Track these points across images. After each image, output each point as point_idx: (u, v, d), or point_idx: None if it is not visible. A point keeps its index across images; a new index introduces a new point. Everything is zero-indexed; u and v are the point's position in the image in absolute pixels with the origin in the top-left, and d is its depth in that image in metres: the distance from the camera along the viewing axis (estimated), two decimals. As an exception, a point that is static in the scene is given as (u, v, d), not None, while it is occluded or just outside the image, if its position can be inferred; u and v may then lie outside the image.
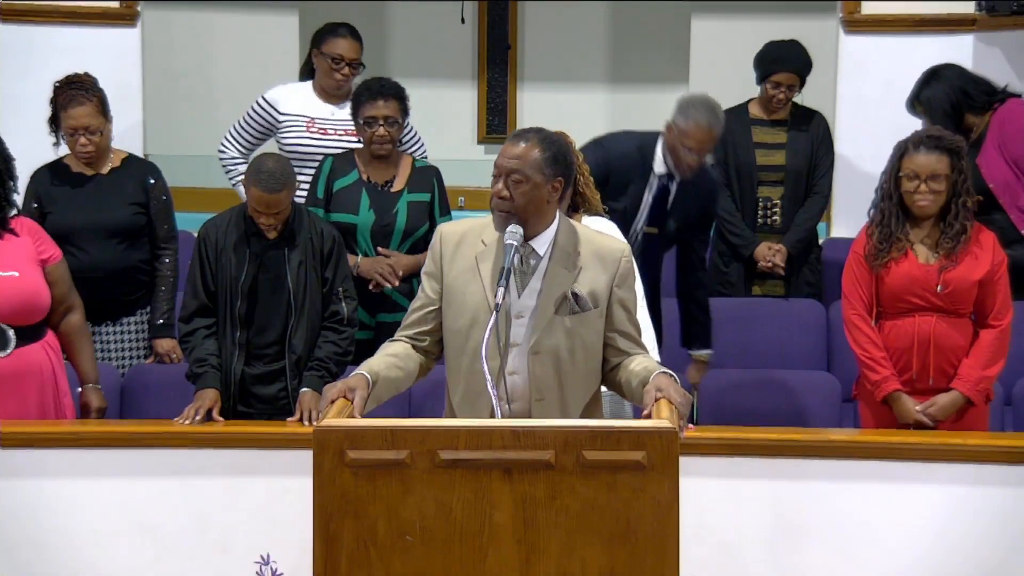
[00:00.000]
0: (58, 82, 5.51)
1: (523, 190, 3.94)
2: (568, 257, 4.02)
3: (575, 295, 4.00)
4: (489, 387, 3.79)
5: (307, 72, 6.17)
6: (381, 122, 5.46)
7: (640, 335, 4.14)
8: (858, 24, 6.81)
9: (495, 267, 3.96)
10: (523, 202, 3.94)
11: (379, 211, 5.48)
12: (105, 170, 5.55)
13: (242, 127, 6.05)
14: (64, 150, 5.57)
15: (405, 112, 5.57)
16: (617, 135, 5.71)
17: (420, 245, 5.54)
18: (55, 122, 5.48)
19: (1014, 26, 6.62)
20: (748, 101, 6.40)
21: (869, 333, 5.01)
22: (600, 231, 4.35)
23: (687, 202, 5.55)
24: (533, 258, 4.00)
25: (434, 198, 5.56)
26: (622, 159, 5.49)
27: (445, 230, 4.11)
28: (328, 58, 5.95)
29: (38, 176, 5.53)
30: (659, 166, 5.53)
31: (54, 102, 5.47)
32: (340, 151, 5.70)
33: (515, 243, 3.92)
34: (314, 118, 5.88)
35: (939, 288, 4.96)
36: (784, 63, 6.25)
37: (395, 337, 4.11)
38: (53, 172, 5.55)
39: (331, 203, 5.48)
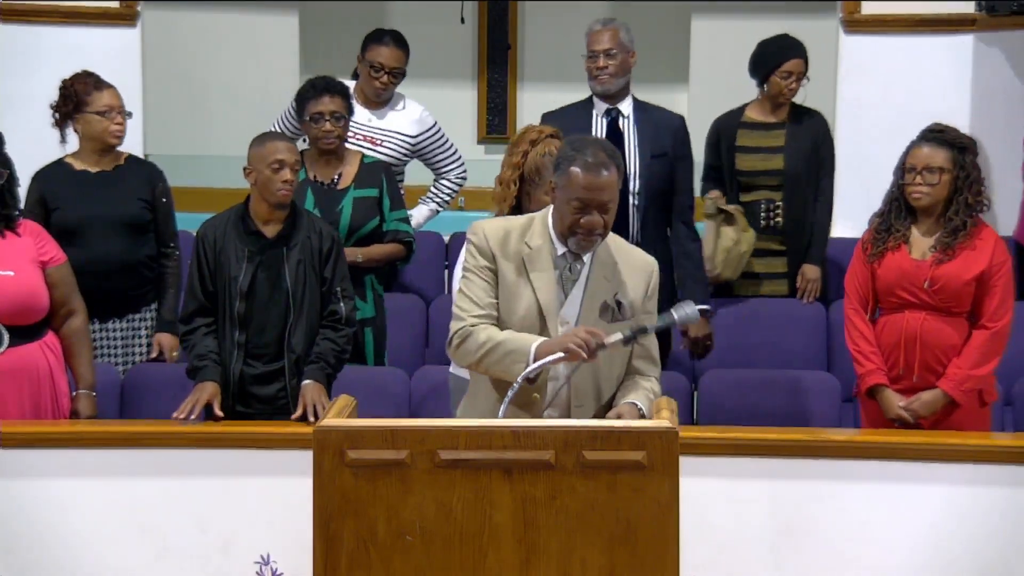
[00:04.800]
0: (68, 79, 5.52)
1: (612, 214, 4.01)
2: (607, 267, 4.08)
3: (619, 303, 4.05)
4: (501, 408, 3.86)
5: (355, 74, 6.22)
6: (327, 117, 5.50)
7: (656, 352, 4.22)
8: (858, 24, 6.80)
9: (545, 274, 4.01)
10: (611, 223, 4.03)
11: (324, 209, 5.48)
12: (110, 167, 5.56)
13: (282, 119, 6.16)
14: (69, 148, 5.57)
15: (350, 109, 5.61)
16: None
17: (367, 240, 5.54)
18: (67, 117, 5.49)
19: (1014, 26, 6.62)
20: (745, 105, 6.29)
21: (861, 327, 5.02)
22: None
23: (651, 135, 5.62)
24: (579, 263, 4.06)
25: (382, 193, 5.56)
26: (562, 119, 5.52)
27: (487, 228, 4.10)
28: (368, 64, 6.01)
29: (41, 176, 5.54)
30: (599, 106, 5.69)
31: (71, 94, 5.48)
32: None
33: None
34: None
35: (926, 284, 4.95)
36: (790, 50, 6.16)
37: (475, 324, 4.03)
38: (56, 171, 5.56)
39: None
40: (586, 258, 4.07)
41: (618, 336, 3.94)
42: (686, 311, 3.98)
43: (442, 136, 6.17)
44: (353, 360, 5.44)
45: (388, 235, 5.58)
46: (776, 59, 6.16)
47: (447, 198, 6.27)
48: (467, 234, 4.15)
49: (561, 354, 3.88)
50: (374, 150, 5.93)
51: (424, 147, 6.15)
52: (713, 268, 5.93)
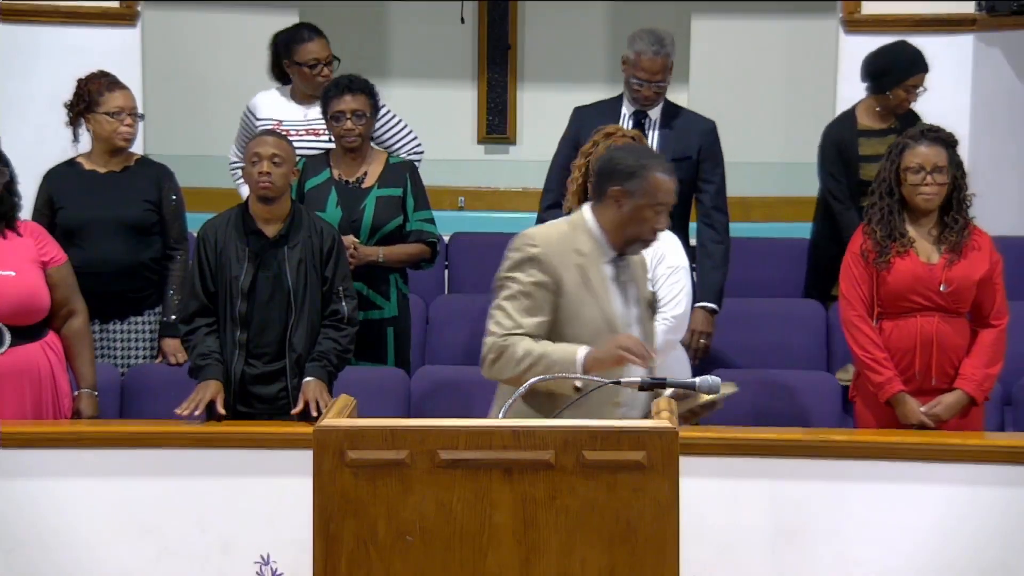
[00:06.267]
0: (83, 78, 5.53)
1: None
2: (634, 265, 4.18)
3: (655, 297, 4.15)
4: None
5: (278, 76, 6.16)
6: (348, 116, 5.47)
7: None
8: (858, 24, 6.81)
9: (603, 281, 4.05)
10: None
11: (346, 207, 5.46)
12: (119, 168, 5.57)
13: (239, 134, 6.14)
14: (81, 148, 5.57)
15: (375, 107, 5.57)
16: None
17: (390, 239, 5.51)
18: (81, 116, 5.49)
19: (1014, 26, 6.63)
20: (853, 111, 6.16)
21: (870, 334, 5.00)
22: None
23: (676, 139, 5.64)
24: (623, 266, 4.12)
25: (406, 192, 5.55)
26: (591, 115, 5.55)
27: (539, 238, 4.05)
28: (304, 66, 5.97)
29: (52, 175, 5.55)
30: (628, 107, 5.71)
31: (85, 94, 5.48)
32: (311, 151, 5.70)
33: None
34: (281, 121, 5.89)
35: (942, 287, 4.96)
36: (918, 65, 6.05)
37: (508, 336, 4.00)
38: (66, 171, 5.57)
39: (304, 203, 5.47)
40: (625, 261, 4.15)
41: (637, 380, 3.95)
42: (708, 382, 3.99)
43: (389, 113, 6.10)
44: (373, 360, 5.44)
45: (412, 235, 5.54)
46: (906, 72, 6.03)
47: None
48: (516, 244, 4.08)
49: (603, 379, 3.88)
50: (317, 141, 5.85)
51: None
52: None
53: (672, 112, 5.73)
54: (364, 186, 5.53)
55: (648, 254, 4.77)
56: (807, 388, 5.68)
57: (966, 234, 4.98)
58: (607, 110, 5.69)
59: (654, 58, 5.63)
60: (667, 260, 4.86)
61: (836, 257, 5.96)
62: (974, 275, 4.97)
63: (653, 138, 5.65)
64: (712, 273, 5.64)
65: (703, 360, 5.75)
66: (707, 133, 5.73)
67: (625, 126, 5.63)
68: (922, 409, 4.96)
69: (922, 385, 4.99)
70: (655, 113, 5.70)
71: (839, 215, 6.01)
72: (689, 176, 5.64)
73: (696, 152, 5.67)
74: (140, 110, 5.65)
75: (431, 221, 5.60)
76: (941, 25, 6.70)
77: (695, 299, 5.61)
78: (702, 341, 5.64)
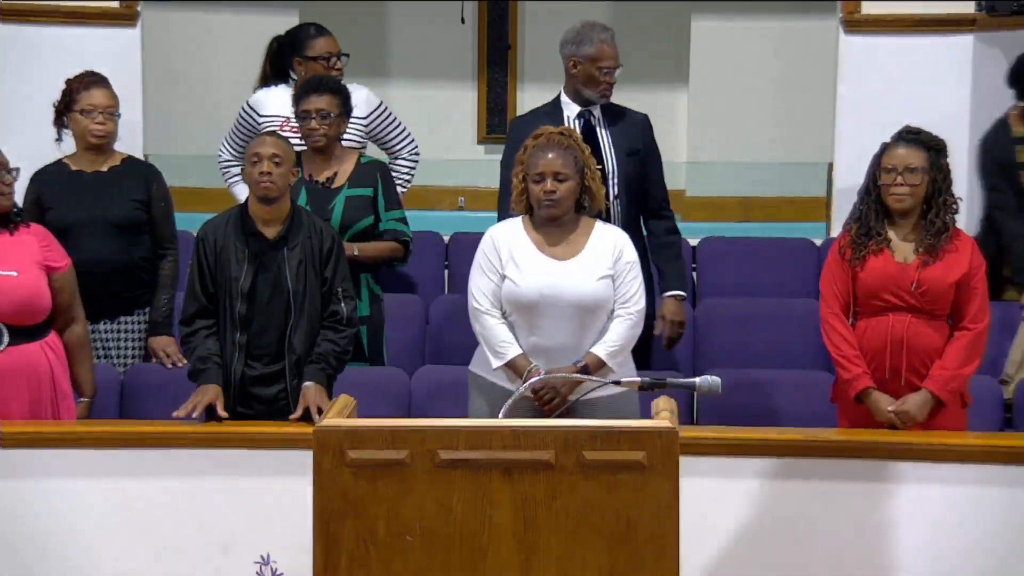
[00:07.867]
0: (70, 78, 5.54)
1: None
2: None
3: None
4: None
5: (269, 78, 6.17)
6: (313, 115, 5.48)
7: None
8: (858, 24, 6.80)
9: None
10: None
11: (316, 206, 5.44)
12: (105, 168, 5.56)
13: (233, 131, 6.13)
14: (66, 149, 5.58)
15: (344, 108, 5.56)
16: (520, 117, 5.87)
17: (361, 238, 5.51)
18: (63, 115, 5.50)
19: (1014, 26, 6.62)
20: (1007, 117, 6.14)
21: (843, 331, 4.98)
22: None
23: (623, 134, 5.65)
24: None
25: (377, 192, 5.55)
26: (534, 123, 5.45)
27: None
28: (320, 60, 5.99)
29: (39, 176, 5.54)
30: (570, 108, 5.67)
31: (66, 93, 5.49)
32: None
33: None
34: (288, 118, 5.90)
35: (913, 286, 4.93)
36: None
37: None
38: (53, 172, 5.56)
39: None
40: None
41: (637, 380, 3.94)
42: (709, 381, 3.99)
43: (391, 114, 6.11)
44: (354, 358, 5.44)
45: (386, 235, 5.56)
46: None
47: (408, 177, 6.17)
48: None
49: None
50: None
51: (376, 127, 6.07)
52: (1012, 373, 5.68)
53: (611, 109, 5.73)
54: (334, 186, 5.54)
55: (608, 248, 4.80)
56: (806, 388, 5.68)
57: (944, 237, 4.95)
58: (548, 116, 5.62)
59: (612, 44, 5.64)
60: (625, 255, 4.85)
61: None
62: (949, 277, 4.93)
63: (603, 136, 5.65)
64: (675, 262, 5.68)
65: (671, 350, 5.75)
66: (646, 126, 5.75)
67: (574, 127, 5.59)
68: (890, 408, 4.93)
69: (893, 385, 4.95)
70: (597, 112, 5.70)
71: (1003, 225, 5.94)
72: (640, 169, 5.66)
73: (642, 145, 5.69)
74: (130, 108, 5.62)
75: (403, 220, 5.60)
76: (941, 25, 6.70)
77: (661, 289, 5.64)
78: (678, 330, 5.65)
